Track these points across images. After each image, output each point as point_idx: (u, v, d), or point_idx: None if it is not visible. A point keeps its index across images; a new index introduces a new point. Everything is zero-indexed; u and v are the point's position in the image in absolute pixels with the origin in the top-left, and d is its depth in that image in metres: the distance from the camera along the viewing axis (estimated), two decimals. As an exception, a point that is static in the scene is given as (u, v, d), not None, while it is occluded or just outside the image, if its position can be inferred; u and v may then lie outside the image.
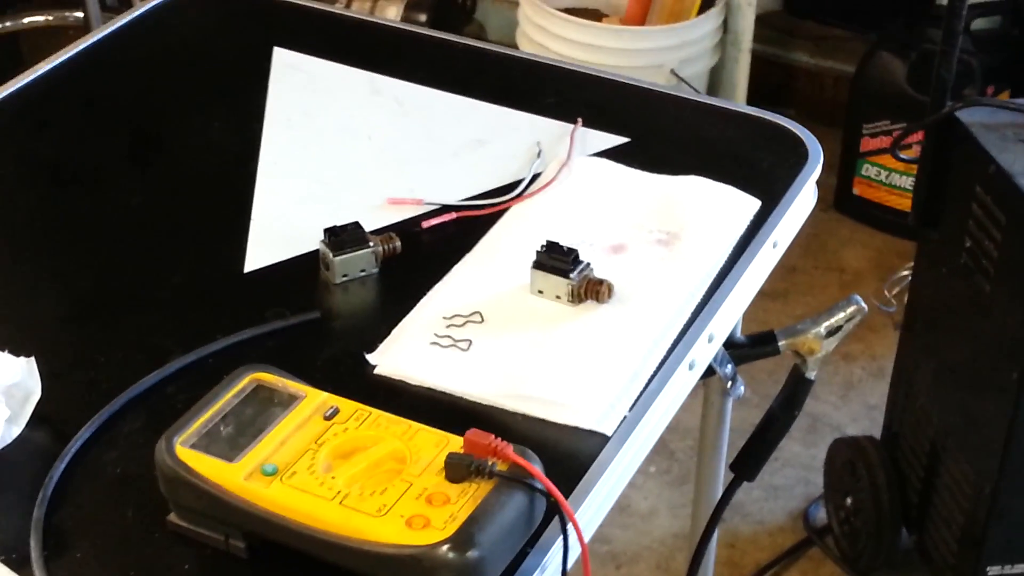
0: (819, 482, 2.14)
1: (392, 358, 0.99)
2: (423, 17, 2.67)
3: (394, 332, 1.02)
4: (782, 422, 1.27)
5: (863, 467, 2.00)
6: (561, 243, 1.05)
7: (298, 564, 0.82)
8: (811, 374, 1.24)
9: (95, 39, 1.39)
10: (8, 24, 2.65)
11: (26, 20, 2.66)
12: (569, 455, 0.92)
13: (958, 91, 2.30)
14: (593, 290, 1.03)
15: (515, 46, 2.59)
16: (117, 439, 0.93)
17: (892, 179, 2.71)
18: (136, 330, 1.03)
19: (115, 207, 1.17)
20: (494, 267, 1.08)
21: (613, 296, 1.03)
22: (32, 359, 0.93)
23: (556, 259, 1.04)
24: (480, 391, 0.96)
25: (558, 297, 1.04)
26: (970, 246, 1.76)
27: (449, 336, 1.01)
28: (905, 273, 2.44)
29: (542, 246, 1.04)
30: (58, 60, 1.35)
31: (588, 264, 1.04)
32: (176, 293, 1.08)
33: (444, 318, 1.03)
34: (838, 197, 2.76)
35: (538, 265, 1.04)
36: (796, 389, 1.25)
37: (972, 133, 1.74)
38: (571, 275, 1.03)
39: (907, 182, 2.67)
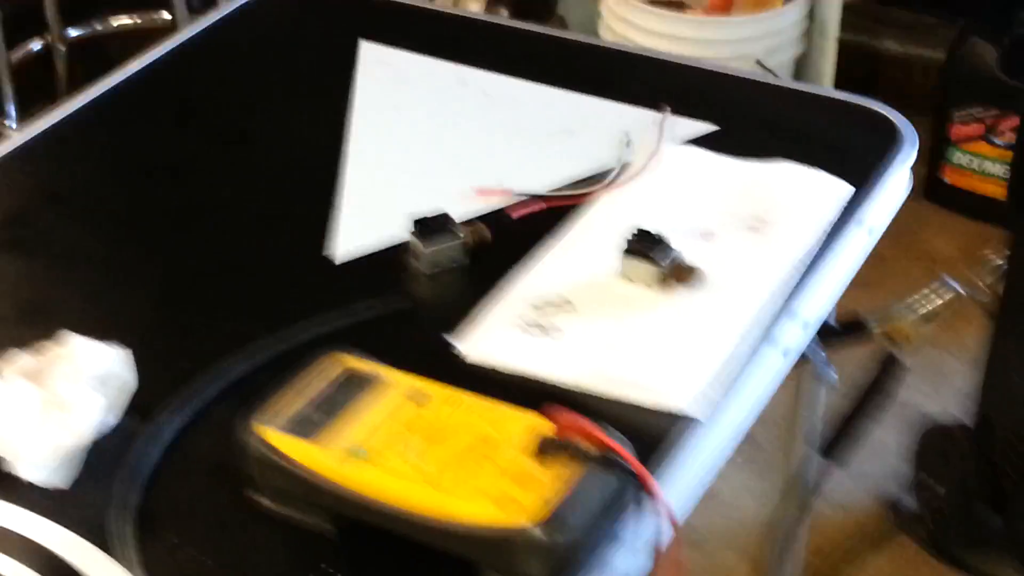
0: (908, 469, 2.11)
1: (481, 345, 1.00)
2: (505, 10, 2.67)
3: (481, 318, 1.02)
4: (873, 407, 1.25)
5: (953, 453, 1.97)
6: (651, 230, 1.04)
7: (389, 545, 0.82)
8: (904, 360, 1.22)
9: (183, 39, 1.42)
10: (98, 27, 2.68)
11: (115, 23, 2.70)
12: (659, 439, 0.91)
13: (1051, 75, 2.26)
14: (683, 276, 1.03)
15: (598, 38, 2.58)
16: (208, 424, 0.94)
17: (984, 166, 2.66)
18: (226, 317, 1.04)
19: (206, 200, 1.19)
20: (582, 254, 1.08)
21: (703, 282, 1.03)
22: (129, 351, 0.95)
23: (646, 246, 1.04)
24: (570, 376, 0.96)
25: (647, 284, 1.03)
26: (1067, 231, 1.72)
27: (538, 322, 1.01)
28: (996, 260, 2.40)
29: (632, 233, 1.04)
30: (148, 60, 1.37)
31: (678, 251, 1.04)
32: (267, 283, 1.09)
33: (533, 305, 1.03)
34: (928, 185, 2.72)
35: (628, 251, 1.04)
36: (888, 374, 1.23)
37: (1067, 116, 1.71)
38: (661, 262, 1.03)
39: (999, 169, 2.62)
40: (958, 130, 2.66)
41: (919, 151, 1.22)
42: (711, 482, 0.94)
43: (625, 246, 1.04)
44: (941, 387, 2.34)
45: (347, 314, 1.02)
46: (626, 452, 0.81)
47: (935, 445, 2.03)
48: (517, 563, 0.78)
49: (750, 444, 2.19)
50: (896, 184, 1.18)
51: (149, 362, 0.97)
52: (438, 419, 0.85)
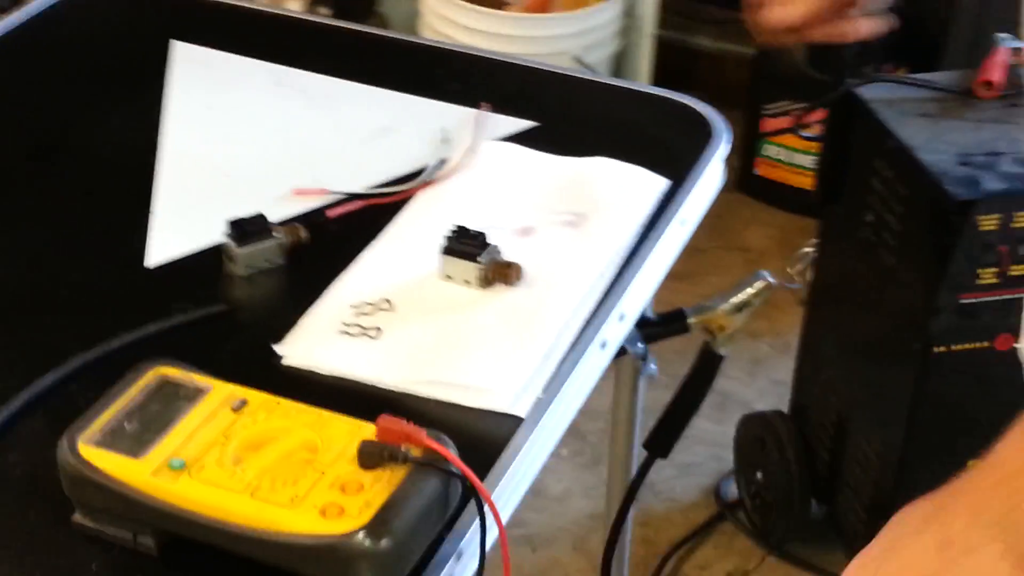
0: (729, 458, 2.16)
1: (300, 348, 0.98)
2: (325, 8, 2.65)
3: (301, 322, 1.01)
4: (694, 398, 1.28)
5: (772, 442, 2.02)
6: (470, 227, 1.04)
7: (210, 560, 0.81)
8: (721, 350, 1.25)
9: (-15, 36, 1.36)
10: None
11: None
12: (483, 439, 0.91)
13: (858, 70, 2.33)
14: (502, 273, 1.03)
15: (419, 37, 2.57)
16: (18, 440, 0.90)
17: (793, 158, 2.74)
18: (36, 329, 1.01)
19: (12, 204, 1.15)
20: (402, 254, 1.08)
21: (522, 279, 1.03)
22: (-72, 361, 0.91)
23: (465, 243, 1.03)
24: (391, 378, 0.95)
25: (467, 282, 1.03)
26: (872, 220, 1.78)
27: (358, 324, 1.00)
28: (808, 250, 2.47)
29: (451, 231, 1.04)
30: (-54, 56, 1.31)
31: (497, 247, 1.04)
32: (76, 291, 1.05)
33: (352, 306, 1.02)
34: (741, 178, 2.79)
35: (447, 250, 1.03)
36: (707, 365, 1.26)
37: (872, 109, 1.77)
38: (479, 259, 1.03)
39: (808, 161, 2.70)
40: (768, 123, 2.73)
41: (733, 145, 1.24)
42: (537, 478, 0.95)
43: (444, 244, 1.04)
44: (757, 375, 2.40)
45: (161, 321, 1.00)
46: (449, 453, 0.80)
47: (753, 433, 2.08)
48: (342, 571, 0.76)
49: (576, 437, 2.23)
50: (710, 177, 1.20)
51: (-49, 376, 0.93)
52: (257, 426, 0.83)
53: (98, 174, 1.19)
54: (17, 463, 0.89)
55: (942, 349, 1.70)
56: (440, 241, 1.04)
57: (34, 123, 1.26)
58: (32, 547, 0.83)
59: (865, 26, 1.03)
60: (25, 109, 1.28)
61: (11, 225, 1.12)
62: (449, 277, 1.03)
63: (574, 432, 2.22)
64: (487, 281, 1.03)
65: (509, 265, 1.03)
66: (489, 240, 1.03)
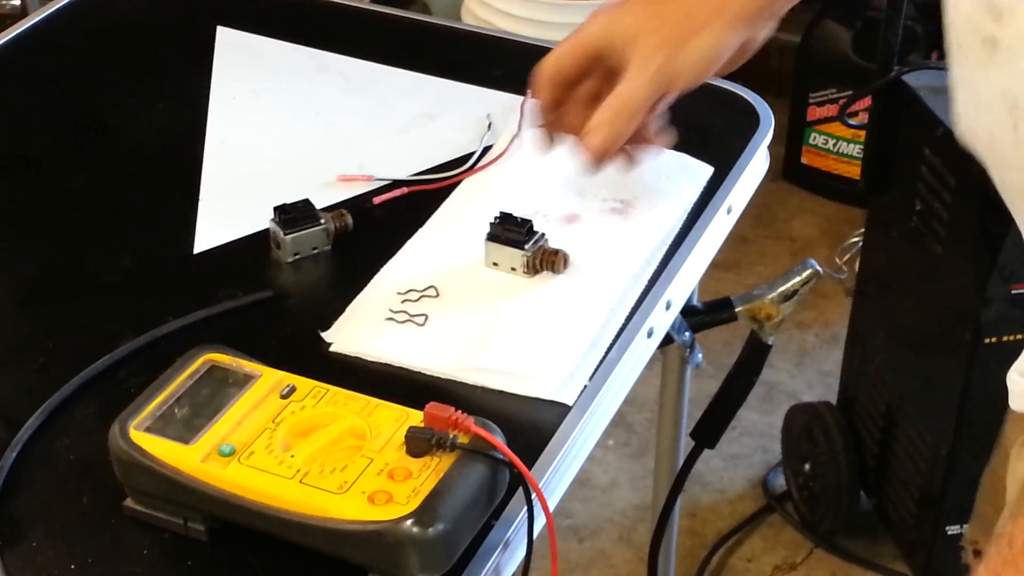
0: (777, 449, 2.15)
1: (347, 335, 0.98)
2: (366, -2, 2.65)
3: (348, 309, 1.01)
4: (741, 387, 1.27)
5: (820, 432, 2.01)
6: (515, 214, 1.04)
7: (259, 545, 0.81)
8: (768, 339, 1.24)
9: (32, 23, 1.37)
10: (-57, 14, 2.60)
11: (-39, 9, 2.62)
12: (530, 426, 0.91)
13: (903, 57, 2.31)
14: (548, 260, 1.02)
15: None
16: (69, 425, 0.91)
17: (840, 147, 2.72)
18: (85, 315, 1.01)
19: (59, 192, 1.15)
20: (447, 240, 1.07)
21: (569, 266, 1.03)
22: (-21, 347, 0.91)
23: (510, 230, 1.03)
24: (438, 365, 0.95)
25: (513, 269, 1.03)
26: (920, 209, 1.77)
27: (404, 311, 1.00)
28: (855, 240, 2.45)
29: (496, 218, 1.03)
30: (-4, 45, 1.32)
31: (543, 235, 1.03)
32: (125, 276, 1.06)
33: (399, 293, 1.02)
34: (787, 167, 2.77)
35: (492, 237, 1.03)
36: (754, 354, 1.25)
37: (919, 96, 1.75)
38: (526, 246, 1.02)
39: (854, 149, 2.68)
40: (814, 111, 2.71)
41: (778, 133, 1.23)
42: (583, 467, 0.94)
43: (489, 231, 1.03)
44: (804, 366, 2.38)
45: (209, 307, 1.00)
46: (496, 440, 0.80)
47: (801, 424, 2.06)
48: (389, 557, 0.76)
49: (622, 428, 2.22)
50: (756, 165, 1.19)
51: (3, 363, 0.93)
52: (306, 412, 0.83)
53: (145, 160, 1.20)
54: (69, 448, 0.89)
55: (992, 340, 1.68)
56: (484, 227, 1.03)
57: (81, 109, 1.26)
58: (84, 532, 0.84)
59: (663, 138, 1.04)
60: (71, 95, 1.28)
61: (59, 212, 1.13)
62: (495, 264, 1.03)
63: (620, 422, 2.22)
64: (533, 269, 1.02)
65: (556, 252, 1.02)
66: (535, 227, 1.03)
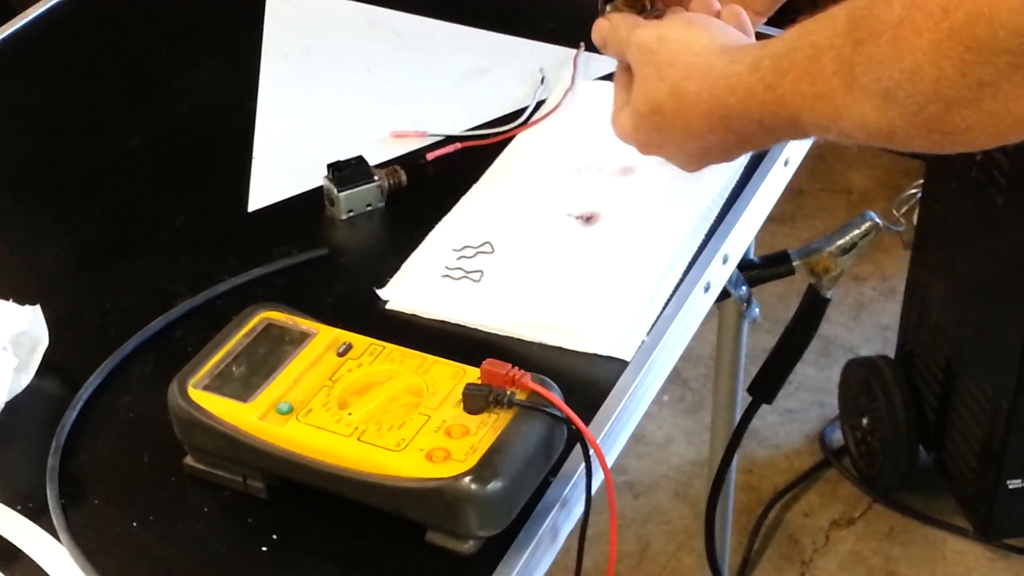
0: (834, 404, 2.13)
1: (403, 292, 0.98)
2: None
3: (404, 266, 1.00)
4: (799, 341, 1.25)
5: (878, 387, 1.99)
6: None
7: (318, 502, 0.81)
8: (827, 293, 1.22)
9: (85, -16, 1.37)
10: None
11: (14, -29, 2.63)
12: (588, 382, 0.90)
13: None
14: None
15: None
16: (129, 384, 0.91)
17: (897, 97, 2.67)
18: (142, 274, 1.02)
19: (114, 151, 1.16)
20: (502, 196, 1.07)
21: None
22: (38, 307, 0.92)
23: None
24: (494, 321, 0.95)
25: None
26: (981, 159, 1.73)
27: (460, 268, 0.99)
28: (913, 191, 2.42)
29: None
30: (47, 5, 1.32)
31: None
32: (181, 235, 1.06)
33: (454, 250, 1.01)
34: (843, 118, 2.73)
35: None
36: (812, 308, 1.23)
37: (980, 45, 1.71)
38: None
39: (912, 100, 2.64)
40: (871, 62, 2.67)
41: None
42: (639, 423, 0.94)
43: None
44: (862, 320, 2.36)
45: (265, 265, 1.00)
46: (554, 396, 0.79)
47: (859, 378, 2.04)
48: (448, 514, 0.76)
49: (677, 383, 2.21)
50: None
51: (62, 322, 0.94)
52: (362, 370, 0.83)
53: (198, 119, 1.20)
54: (129, 406, 0.90)
55: (1054, 292, 1.65)
56: (540, 184, 1.02)
57: (134, 70, 1.27)
58: (145, 489, 0.84)
59: None
60: (124, 56, 1.28)
61: (113, 171, 1.13)
62: None
63: (675, 378, 2.21)
64: None
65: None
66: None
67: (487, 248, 1.01)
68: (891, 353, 2.07)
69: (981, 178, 1.74)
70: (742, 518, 2.00)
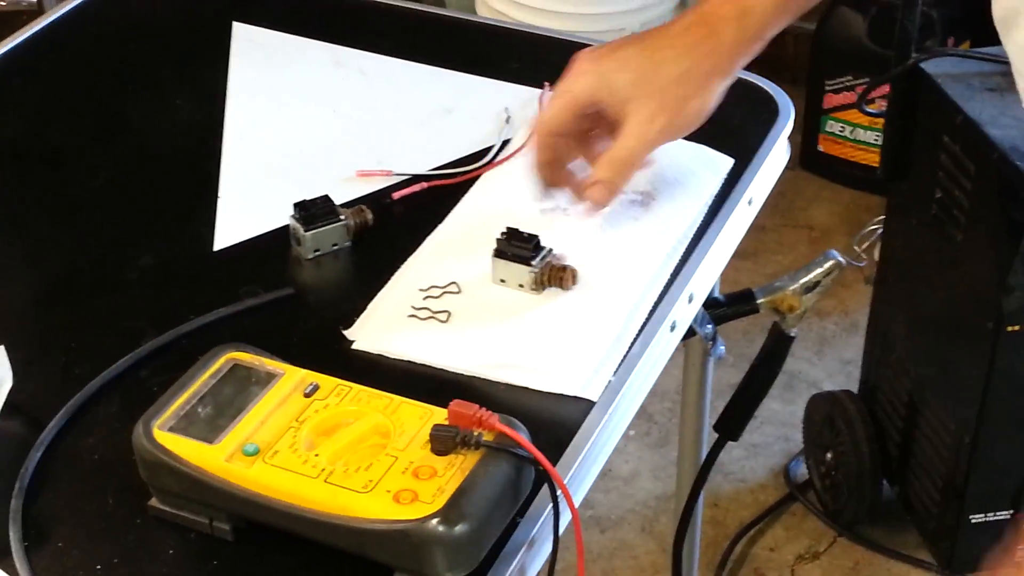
0: (798, 438, 2.14)
1: (370, 332, 0.98)
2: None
3: (370, 306, 1.00)
4: (764, 379, 1.26)
5: (842, 421, 2.00)
6: (522, 229, 1.01)
7: (285, 544, 0.81)
8: (791, 331, 1.23)
9: (50, 19, 1.36)
10: (-40, 11, 2.59)
11: (-22, 6, 2.61)
12: (555, 422, 0.91)
13: (919, 44, 2.29)
14: (556, 277, 1.00)
15: (475, 15, 2.56)
16: (93, 425, 0.91)
17: (857, 134, 2.70)
18: (107, 313, 1.01)
19: (79, 188, 1.15)
20: (469, 236, 1.07)
21: (577, 282, 1.01)
22: (2, 348, 0.91)
23: (516, 246, 1.00)
24: (461, 362, 0.95)
25: (520, 286, 1.00)
26: (940, 196, 1.76)
27: (427, 308, 1.00)
28: (874, 227, 2.44)
29: (502, 233, 1.02)
30: (13, 42, 1.32)
31: (550, 250, 1.01)
32: (146, 274, 1.06)
33: (420, 290, 1.01)
34: (804, 155, 2.76)
35: (499, 253, 1.00)
36: (777, 346, 1.24)
37: (938, 83, 1.74)
38: (532, 262, 0.99)
39: (872, 137, 2.67)
40: (831, 99, 2.70)
41: (795, 121, 1.22)
42: (608, 460, 0.94)
43: (495, 247, 1.01)
44: (825, 355, 2.37)
45: (231, 305, 1.00)
46: (521, 437, 0.80)
47: (822, 413, 2.06)
48: (415, 557, 0.76)
49: (643, 418, 2.22)
50: (776, 156, 1.19)
51: (26, 361, 0.93)
52: (329, 411, 0.83)
53: (164, 157, 1.19)
54: (94, 447, 0.89)
55: (1015, 328, 1.67)
56: (506, 223, 1.03)
57: (99, 106, 1.26)
58: (109, 531, 0.84)
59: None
60: (90, 92, 1.28)
61: (79, 210, 1.13)
62: (503, 281, 1.01)
63: (641, 413, 2.19)
64: (541, 285, 1.00)
65: (564, 268, 1.00)
66: (543, 244, 1.01)
67: (453, 288, 1.01)
68: (854, 388, 2.08)
69: (940, 215, 1.76)
70: (708, 552, 2.01)
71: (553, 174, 1.06)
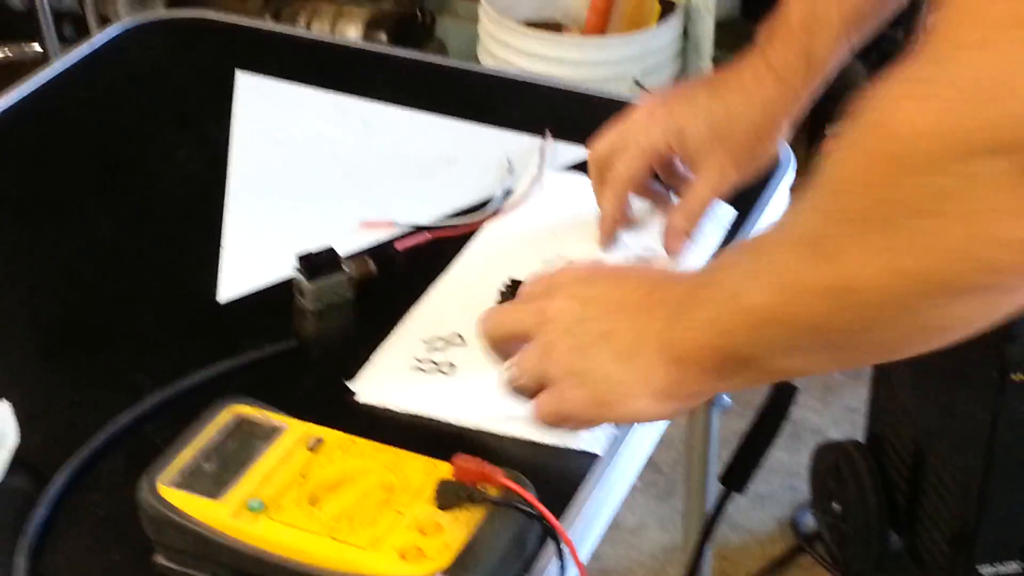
0: (805, 488, 2.13)
1: (373, 385, 0.97)
2: (383, 36, 2.66)
3: (374, 358, 1.00)
4: (769, 431, 1.25)
5: (848, 471, 1.99)
6: (525, 280, 1.01)
7: (289, 601, 0.80)
8: (795, 380, 1.22)
9: (55, 71, 1.37)
10: (-35, 61, 2.61)
11: (-17, 55, 2.63)
12: (560, 476, 0.90)
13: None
14: None
15: (477, 62, 2.57)
16: (98, 480, 0.90)
17: (859, 180, 2.70)
18: (111, 367, 1.01)
19: (83, 240, 1.15)
20: (472, 287, 1.07)
21: None
22: (7, 404, 0.91)
23: None
24: (466, 415, 0.94)
25: None
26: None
27: (431, 360, 0.99)
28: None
29: (505, 285, 1.01)
30: (18, 95, 1.32)
31: None
32: (150, 326, 1.05)
33: (424, 341, 1.01)
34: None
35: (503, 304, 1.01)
36: (781, 396, 1.23)
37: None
38: None
39: (875, 183, 2.67)
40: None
41: (796, 170, 1.22)
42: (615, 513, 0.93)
43: (498, 298, 1.01)
44: (831, 403, 2.36)
45: (234, 357, 0.99)
46: (526, 492, 0.79)
47: (828, 462, 2.04)
48: (422, 614, 0.75)
49: (650, 468, 2.20)
50: (776, 205, 1.19)
51: (30, 416, 0.92)
52: (334, 465, 0.82)
53: (168, 207, 1.19)
54: (98, 503, 0.88)
55: (1019, 377, 1.66)
56: (510, 272, 1.02)
57: (102, 155, 1.26)
58: (112, 589, 0.83)
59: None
60: (93, 141, 1.28)
61: (82, 259, 1.13)
62: None
63: (647, 463, 2.19)
64: None
65: None
66: None
67: (457, 340, 1.01)
68: (860, 436, 2.07)
69: (946, 262, 1.75)
70: (717, 605, 1.99)
71: (622, 223, 1.09)
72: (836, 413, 2.33)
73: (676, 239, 1.07)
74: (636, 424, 0.94)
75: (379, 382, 0.97)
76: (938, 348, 0.74)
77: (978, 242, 0.65)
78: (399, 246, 1.12)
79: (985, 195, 0.63)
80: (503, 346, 0.92)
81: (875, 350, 0.77)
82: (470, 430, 0.93)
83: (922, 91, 0.65)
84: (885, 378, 1.99)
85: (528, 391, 0.90)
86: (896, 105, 0.66)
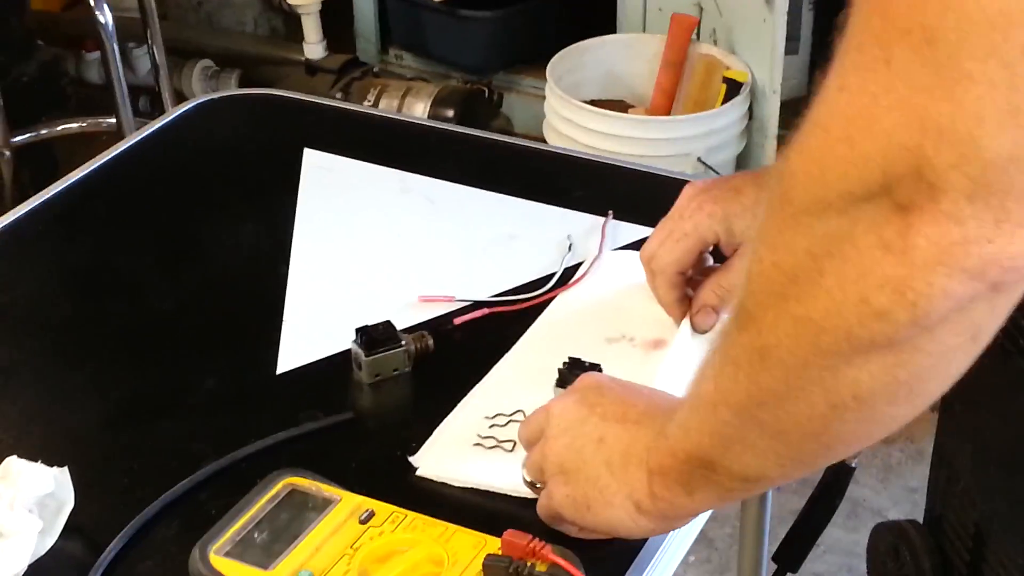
0: (862, 568, 2.10)
1: (434, 459, 0.98)
2: (450, 112, 2.69)
3: (435, 433, 1.00)
4: (824, 510, 1.24)
5: (907, 552, 1.96)
6: (584, 359, 1.03)
7: (337, 672, 0.81)
8: (853, 461, 1.22)
9: (128, 145, 1.41)
10: (43, 132, 2.67)
11: (60, 127, 2.69)
12: (612, 550, 0.90)
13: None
14: None
15: (542, 139, 2.60)
16: (152, 547, 0.91)
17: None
18: (169, 436, 1.03)
19: (148, 312, 1.18)
20: (534, 364, 1.07)
21: None
22: (65, 469, 0.93)
23: (578, 377, 1.01)
24: (523, 489, 0.94)
25: None
26: (1007, 327, 1.74)
27: (492, 436, 1.00)
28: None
29: (564, 363, 1.03)
30: (92, 167, 1.36)
31: None
32: (209, 397, 1.07)
33: (486, 417, 1.02)
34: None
35: (561, 383, 1.02)
36: (838, 476, 1.23)
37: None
38: None
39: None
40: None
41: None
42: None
43: (557, 377, 1.02)
44: (890, 482, 2.34)
45: (290, 429, 1.01)
46: (575, 569, 0.79)
47: (887, 543, 2.02)
48: None
49: (703, 543, 2.19)
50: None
51: (88, 483, 0.94)
52: (384, 538, 0.83)
53: (232, 281, 1.22)
54: (151, 570, 0.90)
55: (1083, 463, 1.64)
56: (574, 352, 1.03)
57: (169, 229, 1.30)
58: (164, 656, 0.84)
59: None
60: (161, 213, 1.32)
61: (146, 332, 1.15)
62: None
63: (701, 538, 2.18)
64: None
65: None
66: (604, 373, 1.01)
67: (519, 417, 1.01)
68: (919, 517, 2.04)
69: (1007, 345, 1.74)
70: None
71: (682, 307, 1.10)
72: (896, 493, 2.31)
73: (706, 315, 1.07)
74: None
75: (440, 456, 0.98)
76: (876, 439, 0.72)
77: (866, 284, 0.64)
78: (457, 321, 1.13)
79: (867, 234, 0.63)
80: (528, 447, 0.94)
81: (811, 440, 0.73)
82: (524, 507, 0.94)
83: (805, 134, 0.65)
84: (946, 459, 1.97)
85: (534, 487, 0.91)
86: (793, 149, 0.66)
